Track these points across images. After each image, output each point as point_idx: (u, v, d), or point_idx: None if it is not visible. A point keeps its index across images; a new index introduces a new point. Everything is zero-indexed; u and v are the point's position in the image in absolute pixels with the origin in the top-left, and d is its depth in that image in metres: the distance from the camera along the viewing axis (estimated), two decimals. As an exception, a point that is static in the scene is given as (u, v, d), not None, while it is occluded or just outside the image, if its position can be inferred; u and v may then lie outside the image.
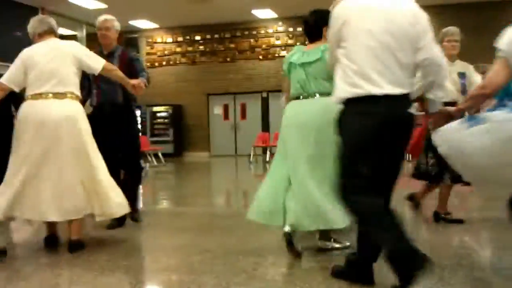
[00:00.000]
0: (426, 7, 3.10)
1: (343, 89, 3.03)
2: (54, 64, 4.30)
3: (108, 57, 5.17)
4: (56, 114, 4.19)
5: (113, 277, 3.67)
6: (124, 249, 4.43)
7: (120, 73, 4.72)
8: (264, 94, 17.61)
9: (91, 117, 5.21)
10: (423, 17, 3.06)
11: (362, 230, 3.16)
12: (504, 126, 2.83)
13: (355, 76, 2.98)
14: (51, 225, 4.52)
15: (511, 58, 2.97)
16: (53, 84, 4.25)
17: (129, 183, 5.41)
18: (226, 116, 18.27)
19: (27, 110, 4.25)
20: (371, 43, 2.97)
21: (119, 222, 5.23)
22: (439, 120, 3.32)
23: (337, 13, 3.13)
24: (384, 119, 2.94)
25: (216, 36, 18.19)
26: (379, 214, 2.95)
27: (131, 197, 5.16)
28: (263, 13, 16.72)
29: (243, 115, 18.14)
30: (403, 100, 2.99)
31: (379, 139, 2.96)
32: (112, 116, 5.28)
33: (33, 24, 4.57)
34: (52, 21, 4.60)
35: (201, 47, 18.34)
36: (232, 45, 18.07)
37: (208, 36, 18.24)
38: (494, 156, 2.85)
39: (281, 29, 17.62)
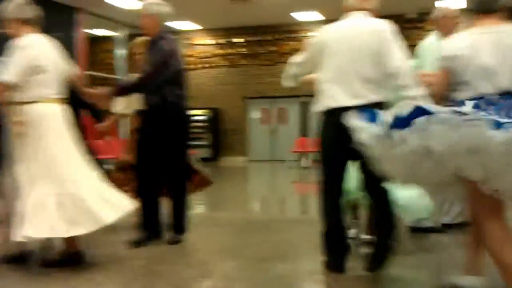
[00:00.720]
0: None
1: (316, 104, 3.63)
2: (60, 66, 4.00)
3: (151, 48, 4.60)
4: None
5: (147, 282, 3.61)
6: (157, 254, 4.34)
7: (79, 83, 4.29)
8: (304, 99, 17.41)
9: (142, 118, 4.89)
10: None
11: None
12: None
13: (323, 91, 3.55)
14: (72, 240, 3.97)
15: (451, 65, 2.90)
16: (63, 89, 3.99)
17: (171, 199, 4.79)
18: (264, 121, 18.17)
19: (52, 112, 3.86)
20: (336, 61, 3.47)
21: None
22: None
23: (320, 35, 3.67)
24: (340, 127, 3.22)
25: (258, 38, 18.10)
26: (329, 201, 3.59)
27: (174, 217, 4.70)
28: (306, 15, 16.52)
29: (282, 120, 18.01)
30: (361, 110, 3.30)
31: (338, 144, 3.43)
32: (156, 119, 4.59)
33: (18, 7, 3.85)
34: (37, 11, 3.93)
35: (242, 50, 18.27)
36: (274, 48, 17.94)
37: (249, 39, 18.16)
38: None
39: (324, 32, 17.38)
